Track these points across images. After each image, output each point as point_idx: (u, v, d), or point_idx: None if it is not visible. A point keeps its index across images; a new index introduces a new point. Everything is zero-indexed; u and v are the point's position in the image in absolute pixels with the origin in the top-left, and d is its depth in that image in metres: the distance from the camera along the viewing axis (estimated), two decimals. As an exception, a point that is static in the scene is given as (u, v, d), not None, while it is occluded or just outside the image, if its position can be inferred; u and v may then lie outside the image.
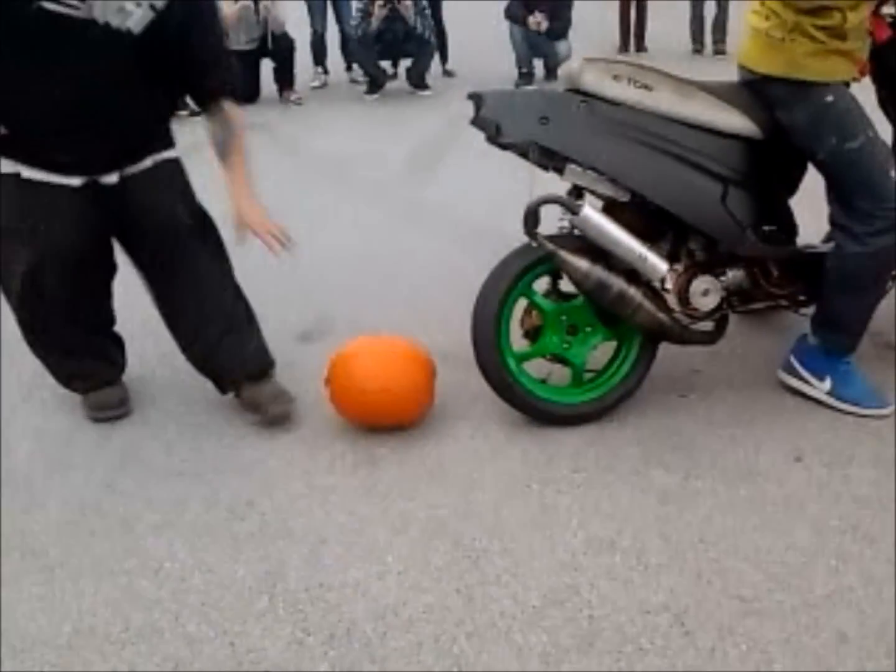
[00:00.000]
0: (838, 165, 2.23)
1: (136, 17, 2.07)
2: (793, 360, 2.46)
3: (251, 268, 2.61)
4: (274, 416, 2.43)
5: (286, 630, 1.76)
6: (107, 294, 2.51)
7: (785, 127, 2.26)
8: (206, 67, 2.26)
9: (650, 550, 1.92)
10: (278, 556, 1.96)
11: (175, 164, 2.38)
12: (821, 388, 2.40)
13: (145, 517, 2.12)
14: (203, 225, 2.41)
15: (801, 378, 2.44)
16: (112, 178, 2.25)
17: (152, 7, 2.08)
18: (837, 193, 2.28)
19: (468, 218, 4.12)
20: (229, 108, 2.29)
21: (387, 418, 2.38)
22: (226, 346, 2.43)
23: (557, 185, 2.31)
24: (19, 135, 2.14)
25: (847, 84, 2.25)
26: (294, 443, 2.39)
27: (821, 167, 2.29)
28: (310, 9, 7.72)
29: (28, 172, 2.18)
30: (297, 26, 7.54)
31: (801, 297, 2.47)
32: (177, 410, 2.58)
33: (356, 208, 4.11)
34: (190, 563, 1.95)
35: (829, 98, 2.18)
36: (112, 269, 2.47)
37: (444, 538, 2.00)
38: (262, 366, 2.50)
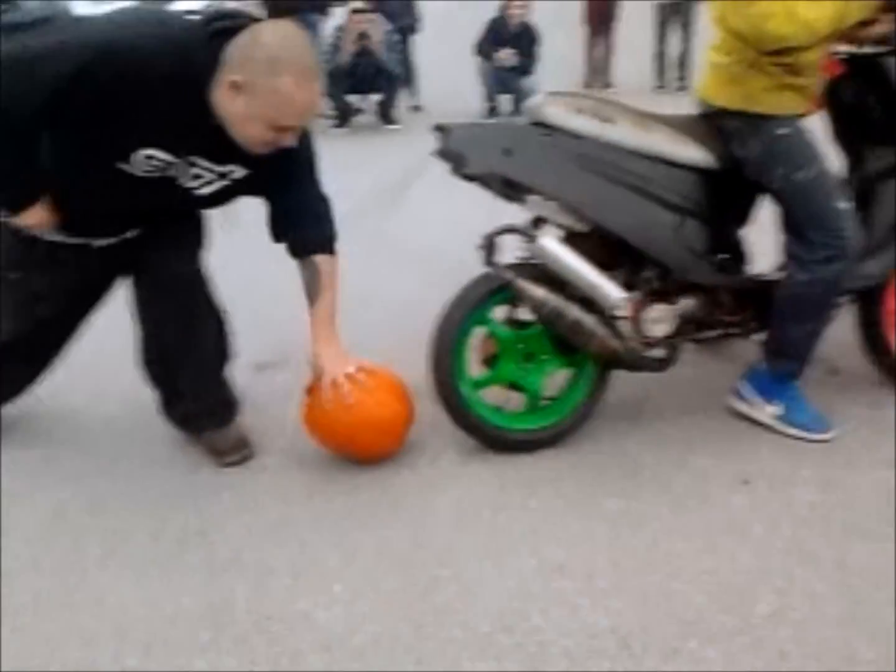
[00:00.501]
0: (790, 196, 2.28)
1: (208, 187, 2.10)
2: (743, 385, 2.49)
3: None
4: (230, 463, 2.43)
5: (231, 663, 1.74)
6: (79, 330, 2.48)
7: (739, 158, 2.32)
8: (299, 223, 2.23)
9: (598, 574, 1.93)
10: (225, 588, 1.94)
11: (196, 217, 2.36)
12: (769, 412, 2.44)
13: (89, 549, 2.09)
14: (202, 275, 2.39)
15: (751, 403, 2.47)
16: (130, 235, 2.25)
17: (228, 178, 2.09)
18: (789, 223, 2.33)
19: (431, 247, 4.17)
20: (320, 260, 2.23)
21: (365, 450, 2.38)
22: (197, 396, 2.42)
23: (519, 214, 2.35)
24: (71, 223, 2.14)
25: (800, 117, 2.31)
26: (246, 473, 2.39)
27: (774, 197, 2.35)
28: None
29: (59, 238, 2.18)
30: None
31: (752, 325, 2.52)
32: (126, 438, 2.57)
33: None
34: (133, 596, 1.93)
35: (783, 131, 2.25)
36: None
37: (394, 566, 2.00)
38: (226, 414, 2.48)
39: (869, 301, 2.54)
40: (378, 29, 7.10)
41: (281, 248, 2.28)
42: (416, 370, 2.42)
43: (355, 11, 7.09)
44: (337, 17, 7.81)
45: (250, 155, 2.01)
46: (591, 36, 8.74)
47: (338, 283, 2.29)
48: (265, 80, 1.84)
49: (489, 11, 7.80)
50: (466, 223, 3.94)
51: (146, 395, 2.54)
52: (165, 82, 1.86)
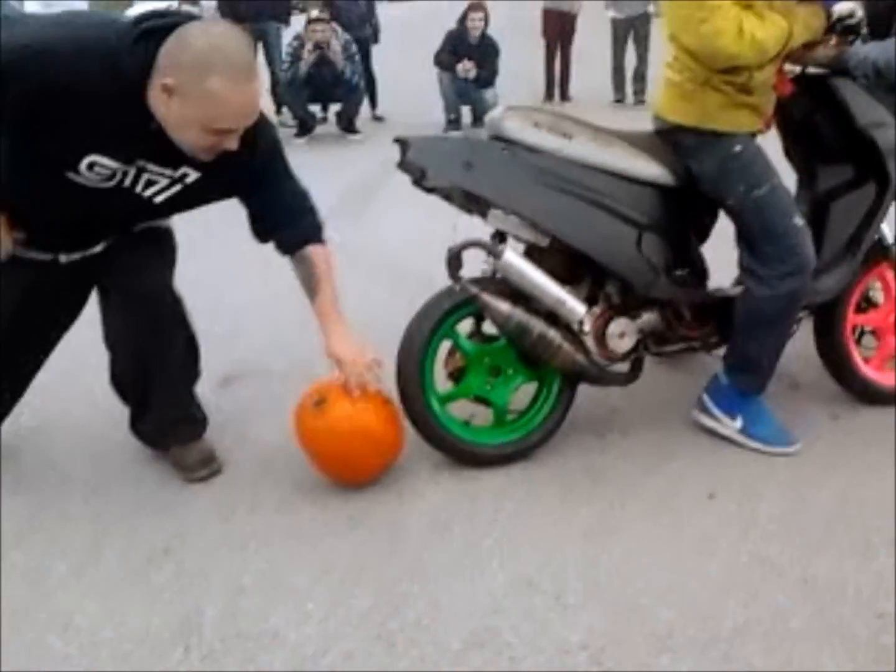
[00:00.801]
0: (745, 212, 2.33)
1: (164, 193, 2.04)
2: (706, 399, 2.54)
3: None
4: (198, 479, 2.39)
5: (201, 682, 1.72)
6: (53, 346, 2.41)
7: (696, 175, 2.36)
8: (283, 219, 2.19)
9: (569, 590, 1.94)
10: (195, 606, 1.92)
11: (164, 231, 2.32)
12: (732, 426, 2.48)
13: (56, 568, 2.05)
14: (173, 292, 2.35)
15: (714, 417, 2.51)
16: (98, 249, 2.20)
17: (182, 182, 2.04)
18: (745, 239, 2.38)
19: (395, 260, 4.17)
20: (312, 252, 2.22)
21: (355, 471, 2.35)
22: (165, 412, 2.38)
23: (483, 228, 2.36)
24: (33, 238, 2.09)
25: (754, 135, 2.36)
26: (213, 488, 2.36)
27: (730, 213, 2.40)
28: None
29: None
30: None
31: (713, 339, 2.56)
32: (92, 452, 2.52)
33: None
34: (101, 615, 1.89)
35: (737, 148, 2.29)
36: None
37: (365, 583, 1.99)
38: (193, 430, 2.45)
39: (827, 315, 2.60)
40: (336, 39, 7.08)
41: (245, 261, 2.26)
42: (382, 384, 2.41)
43: (313, 21, 7.06)
44: (296, 26, 7.78)
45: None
46: (550, 49, 8.83)
47: (334, 272, 2.26)
48: (196, 83, 1.76)
49: (449, 23, 7.84)
50: (431, 234, 3.96)
51: (114, 411, 2.50)
52: (96, 86, 1.80)
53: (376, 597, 1.94)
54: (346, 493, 2.31)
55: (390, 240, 4.53)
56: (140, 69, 1.81)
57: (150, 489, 2.36)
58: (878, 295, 2.70)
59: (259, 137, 2.04)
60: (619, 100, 8.65)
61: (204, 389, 2.59)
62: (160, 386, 2.34)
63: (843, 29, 2.30)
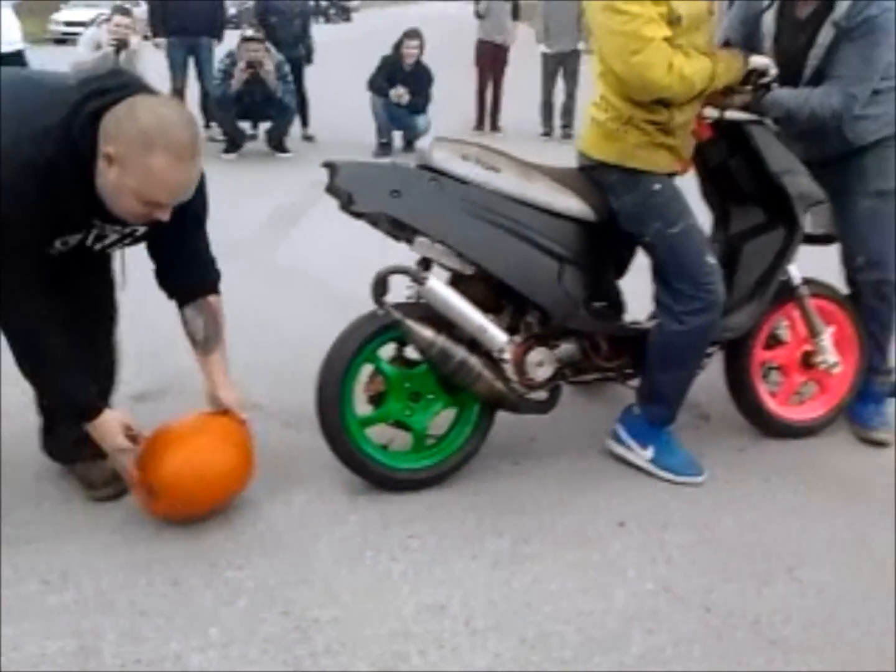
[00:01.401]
0: (661, 249, 2.41)
1: (110, 241, 2.08)
2: (619, 429, 2.59)
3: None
4: (103, 497, 2.33)
5: (97, 710, 1.66)
6: None
7: (615, 211, 2.43)
8: (189, 270, 2.21)
9: (478, 616, 1.95)
10: (94, 631, 1.86)
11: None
12: (643, 455, 2.54)
13: (-54, 591, 1.96)
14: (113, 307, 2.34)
15: (626, 446, 2.57)
16: None
17: (131, 235, 2.09)
18: (660, 275, 2.46)
19: (322, 281, 4.15)
20: (214, 302, 2.23)
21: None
22: (74, 424, 2.27)
23: (411, 252, 2.37)
24: None
25: (672, 176, 2.45)
26: (118, 510, 2.29)
27: (646, 249, 2.47)
28: (171, 63, 7.67)
29: None
30: (158, 81, 7.43)
31: (628, 371, 2.63)
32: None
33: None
34: (-6, 640, 1.82)
35: (656, 187, 2.37)
36: None
37: (273, 608, 1.96)
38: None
39: (736, 351, 2.70)
40: (269, 58, 7.06)
41: (148, 276, 2.24)
42: (302, 404, 2.39)
43: (246, 40, 7.02)
44: (230, 40, 7.73)
45: None
46: (482, 79, 8.97)
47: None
48: (138, 157, 1.79)
49: (386, 44, 7.90)
50: (359, 256, 3.97)
51: (14, 426, 2.41)
52: (55, 175, 1.82)
53: (284, 623, 1.91)
54: (256, 517, 2.28)
55: (318, 260, 4.51)
56: (90, 149, 1.83)
57: (50, 507, 2.28)
58: (785, 333, 2.81)
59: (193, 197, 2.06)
60: (547, 133, 8.82)
61: (118, 405, 2.52)
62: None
63: (757, 83, 2.40)
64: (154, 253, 2.20)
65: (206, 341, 2.23)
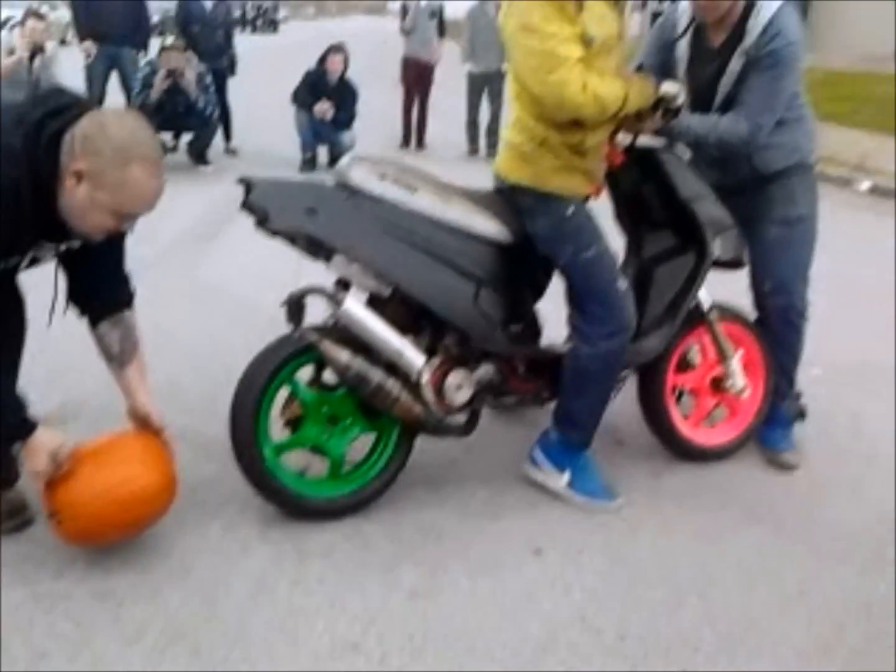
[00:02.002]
0: (574, 272, 2.44)
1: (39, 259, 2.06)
2: (537, 453, 2.61)
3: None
4: (6, 530, 2.22)
5: None
6: None
7: (531, 233, 2.45)
8: (108, 285, 2.20)
9: (393, 651, 1.93)
10: (-13, 676, 1.77)
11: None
12: (560, 480, 2.56)
13: None
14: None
15: (543, 471, 2.59)
16: None
17: (63, 251, 2.07)
18: (573, 298, 2.49)
19: (241, 299, 4.07)
20: (130, 317, 2.22)
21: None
22: None
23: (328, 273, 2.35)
24: None
25: (585, 200, 2.48)
26: (20, 544, 2.19)
27: (561, 272, 2.50)
28: (89, 71, 7.43)
29: None
30: (79, 91, 7.21)
31: (545, 394, 2.65)
32: None
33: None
34: None
35: (569, 211, 2.40)
36: None
37: (182, 647, 1.89)
38: (4, 476, 2.27)
39: (649, 375, 2.75)
40: (191, 68, 6.92)
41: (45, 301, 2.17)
42: (215, 429, 2.33)
43: (167, 49, 6.88)
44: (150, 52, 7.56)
45: None
46: (408, 96, 8.98)
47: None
48: (114, 171, 1.81)
49: (310, 61, 7.84)
50: (278, 273, 3.90)
51: None
52: (17, 196, 1.80)
53: (192, 662, 1.85)
54: (166, 551, 2.21)
55: (237, 275, 4.43)
56: (51, 165, 1.83)
57: (-55, 545, 2.17)
58: (696, 357, 2.87)
59: None
60: (474, 151, 8.88)
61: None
62: None
63: (665, 110, 2.46)
64: (71, 270, 2.16)
65: (121, 354, 2.20)
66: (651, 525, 2.48)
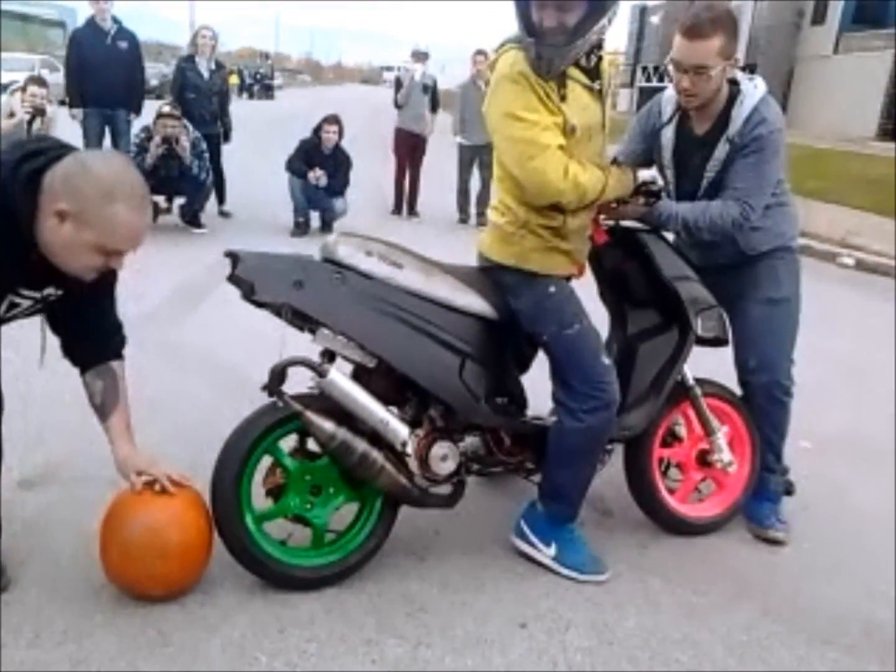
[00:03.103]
0: (557, 348, 2.46)
1: (19, 309, 2.05)
2: (523, 525, 2.59)
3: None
4: None
5: None
6: None
7: (514, 310, 2.48)
8: (97, 335, 2.21)
9: (374, 728, 1.88)
10: (-47, 750, 1.71)
11: None
12: (546, 553, 2.54)
13: None
14: None
15: (530, 543, 2.56)
16: None
17: (44, 301, 2.07)
18: (557, 373, 2.50)
19: (226, 364, 4.06)
20: (117, 367, 2.24)
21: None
22: None
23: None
24: None
25: (568, 279, 2.51)
26: (-6, 610, 2.14)
27: (544, 349, 2.52)
28: (85, 133, 7.55)
29: None
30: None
31: (530, 465, 2.64)
32: None
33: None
34: None
35: (551, 289, 2.44)
36: None
37: (156, 720, 1.84)
38: None
39: (636, 448, 2.75)
40: (185, 134, 7.04)
41: (52, 356, 2.16)
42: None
43: (163, 116, 7.00)
44: (148, 113, 7.69)
45: (67, 276, 1.97)
46: (400, 165, 9.14)
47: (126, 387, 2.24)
48: (99, 209, 1.83)
49: (305, 126, 7.99)
50: (265, 340, 3.91)
51: None
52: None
53: (167, 737, 1.80)
54: (142, 617, 2.16)
55: (224, 342, 4.43)
56: (31, 209, 1.84)
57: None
58: (682, 430, 2.88)
59: None
60: (464, 220, 9.02)
61: (2, 492, 2.38)
62: None
63: (646, 192, 2.53)
64: (61, 321, 2.17)
65: (102, 406, 2.20)
66: (638, 600, 2.45)
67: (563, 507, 2.53)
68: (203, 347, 4.31)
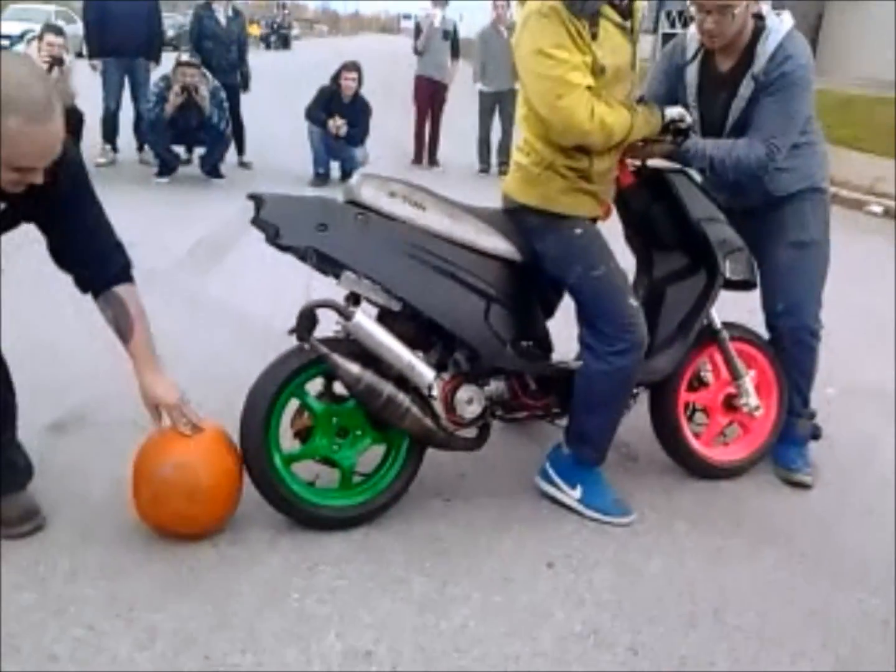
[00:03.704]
0: (584, 291, 2.44)
1: None
2: (548, 467, 2.60)
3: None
4: (17, 535, 2.21)
5: None
6: None
7: (539, 253, 2.45)
8: (87, 257, 2.13)
9: (405, 660, 1.91)
10: (-2, 678, 1.76)
11: None
12: (572, 495, 2.55)
13: None
14: None
15: (556, 485, 2.58)
16: None
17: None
18: (584, 316, 2.48)
19: (249, 312, 4.07)
20: (121, 292, 2.16)
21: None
22: None
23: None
24: None
25: (594, 220, 2.48)
26: (31, 546, 2.19)
27: (570, 292, 2.50)
28: (105, 84, 7.52)
29: None
30: (94, 102, 7.30)
31: (555, 410, 2.64)
32: None
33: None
34: None
35: (577, 231, 2.40)
36: None
37: (193, 653, 1.88)
38: (13, 480, 2.27)
39: (662, 393, 2.74)
40: (204, 83, 6.98)
41: (91, 304, 2.16)
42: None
43: (182, 64, 6.94)
44: (165, 65, 7.63)
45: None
46: (420, 115, 9.03)
47: (145, 311, 2.19)
48: None
49: (323, 79, 7.90)
50: (288, 287, 3.91)
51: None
52: None
53: (203, 668, 1.84)
54: (174, 556, 2.20)
55: (246, 288, 4.44)
56: None
57: (-43, 547, 2.16)
58: (709, 375, 2.87)
59: (61, 164, 1.97)
60: (484, 170, 8.92)
61: (33, 437, 2.43)
62: None
63: (675, 130, 2.47)
64: (58, 250, 2.13)
65: (118, 332, 2.17)
66: (663, 543, 2.47)
67: (590, 449, 2.53)
68: (226, 297, 4.33)
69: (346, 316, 2.29)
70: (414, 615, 2.07)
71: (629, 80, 2.37)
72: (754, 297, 2.84)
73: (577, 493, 2.55)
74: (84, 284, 2.17)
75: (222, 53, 7.71)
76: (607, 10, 2.24)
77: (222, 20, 7.76)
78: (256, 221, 2.24)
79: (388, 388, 2.31)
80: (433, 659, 1.93)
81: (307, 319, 2.28)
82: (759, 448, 2.87)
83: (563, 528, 2.48)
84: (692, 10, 2.53)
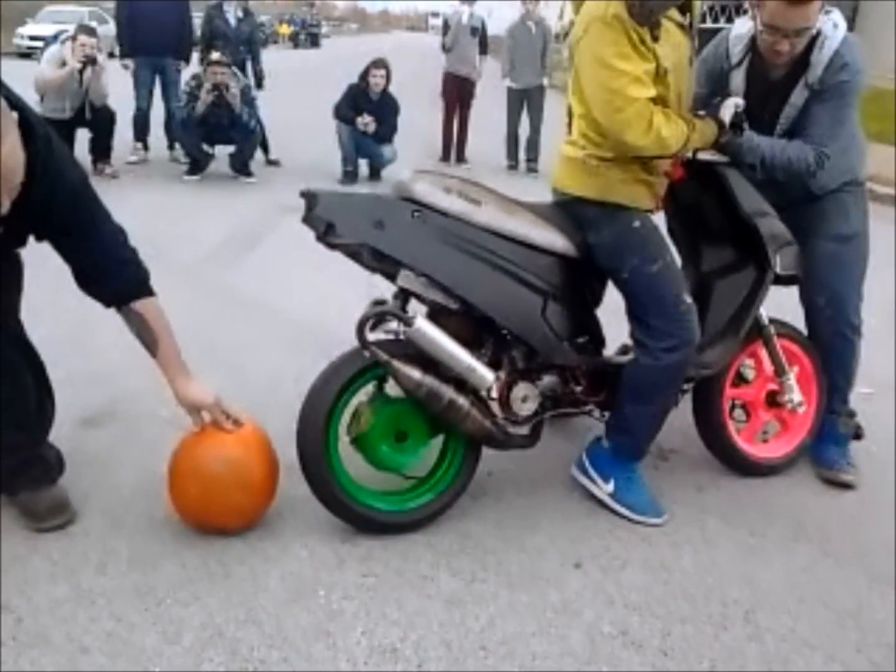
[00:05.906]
0: (638, 285, 2.40)
1: None
2: (585, 458, 2.57)
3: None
4: (47, 528, 2.23)
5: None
6: None
7: (592, 245, 2.41)
8: (102, 273, 2.12)
9: (431, 658, 1.90)
10: (30, 667, 1.77)
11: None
12: (604, 489, 2.52)
13: None
14: (15, 329, 2.25)
15: (589, 477, 2.55)
16: None
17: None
18: (635, 311, 2.45)
19: (284, 312, 4.07)
20: (141, 308, 2.15)
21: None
22: (12, 453, 2.22)
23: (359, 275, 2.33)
24: None
25: (650, 212, 2.44)
26: (61, 538, 2.21)
27: (622, 285, 2.45)
28: (136, 83, 7.59)
29: None
30: (125, 101, 7.37)
31: (606, 404, 2.59)
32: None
33: (159, 291, 3.97)
34: (-80, 679, 1.72)
35: (636, 223, 2.37)
36: None
37: (220, 647, 1.89)
38: (44, 474, 2.30)
39: (707, 389, 2.70)
40: (235, 81, 7.02)
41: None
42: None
43: (213, 63, 6.98)
44: (193, 65, 7.69)
45: None
46: (448, 111, 9.02)
47: (167, 321, 2.21)
48: None
49: (351, 76, 7.91)
50: (322, 289, 3.91)
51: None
52: None
53: (230, 663, 1.84)
54: (204, 549, 2.21)
55: (282, 290, 4.44)
56: None
57: (-9, 539, 2.19)
58: (750, 372, 2.83)
59: (58, 182, 1.97)
60: (513, 166, 8.89)
61: (64, 431, 2.45)
62: (6, 425, 2.19)
63: (731, 123, 2.43)
64: (68, 265, 2.14)
65: (144, 345, 2.19)
66: (694, 540, 2.43)
67: (631, 444, 2.50)
68: (256, 291, 4.34)
69: (406, 322, 2.25)
70: (441, 612, 2.06)
71: (687, 75, 2.35)
72: (781, 291, 2.79)
73: (610, 486, 2.52)
74: (103, 301, 2.18)
75: (233, 53, 7.72)
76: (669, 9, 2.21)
77: (232, 21, 7.83)
78: (308, 218, 2.20)
79: (449, 392, 2.27)
80: (459, 657, 1.91)
81: (367, 327, 2.24)
82: (799, 445, 2.83)
83: (592, 527, 2.46)
84: (750, 24, 2.48)
